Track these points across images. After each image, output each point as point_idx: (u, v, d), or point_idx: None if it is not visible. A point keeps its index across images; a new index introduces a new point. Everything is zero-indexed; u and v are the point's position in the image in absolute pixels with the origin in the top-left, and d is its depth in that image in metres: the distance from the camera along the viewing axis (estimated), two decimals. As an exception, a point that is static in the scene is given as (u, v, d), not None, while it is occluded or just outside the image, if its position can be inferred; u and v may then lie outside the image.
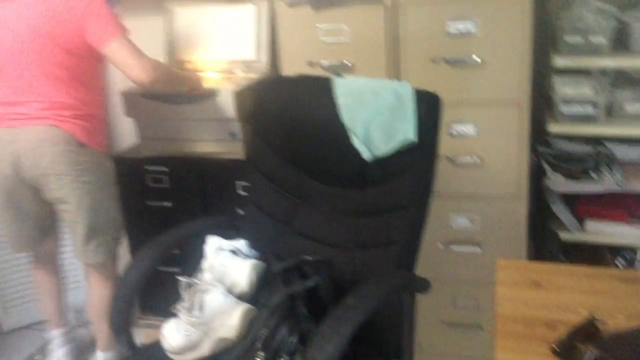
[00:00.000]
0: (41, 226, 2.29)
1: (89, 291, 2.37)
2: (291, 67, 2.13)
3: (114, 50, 1.98)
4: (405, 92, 1.57)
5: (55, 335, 2.50)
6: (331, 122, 1.65)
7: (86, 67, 2.10)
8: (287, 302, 1.45)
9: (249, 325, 1.46)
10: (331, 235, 1.72)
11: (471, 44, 1.96)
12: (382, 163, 1.61)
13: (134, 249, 2.66)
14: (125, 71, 1.99)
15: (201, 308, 1.48)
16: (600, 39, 2.10)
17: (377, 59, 2.05)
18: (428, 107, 1.57)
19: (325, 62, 2.09)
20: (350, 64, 2.07)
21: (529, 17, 1.89)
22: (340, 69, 2.07)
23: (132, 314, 1.60)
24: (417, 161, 1.57)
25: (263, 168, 1.85)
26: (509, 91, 1.98)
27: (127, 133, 2.88)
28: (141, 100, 2.48)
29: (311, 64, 2.11)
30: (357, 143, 1.60)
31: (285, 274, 1.56)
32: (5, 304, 2.72)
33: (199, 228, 1.82)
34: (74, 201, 2.14)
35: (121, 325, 1.58)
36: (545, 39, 2.32)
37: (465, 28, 1.94)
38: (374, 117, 1.59)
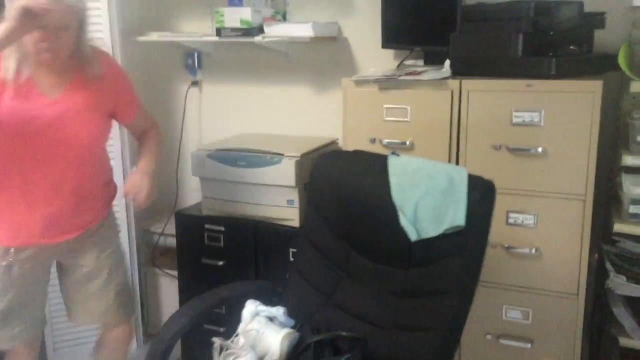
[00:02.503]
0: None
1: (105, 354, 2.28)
2: (354, 143, 2.17)
3: None
4: (459, 176, 1.57)
5: None
6: (381, 199, 1.66)
7: None
8: (316, 376, 1.42)
9: (276, 396, 1.44)
10: (371, 312, 1.69)
11: (535, 135, 1.94)
12: (428, 245, 1.59)
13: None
14: None
15: (229, 372, 1.48)
16: (672, 140, 2.03)
17: (439, 141, 2.06)
18: (481, 193, 1.55)
19: (386, 140, 2.12)
20: (411, 144, 2.09)
21: (598, 113, 1.86)
22: (401, 148, 2.09)
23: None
24: (465, 246, 1.54)
25: (312, 237, 1.86)
26: (571, 185, 1.93)
27: (193, 191, 2.98)
28: (207, 161, 2.57)
29: (374, 140, 2.14)
30: (404, 222, 1.59)
31: (318, 347, 1.54)
32: (56, 344, 2.80)
33: (243, 290, 1.83)
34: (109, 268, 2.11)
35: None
36: (617, 137, 2.27)
37: (530, 118, 1.93)
38: (424, 198, 1.58)
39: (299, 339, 1.60)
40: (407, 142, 2.09)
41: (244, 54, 2.95)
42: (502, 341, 2.11)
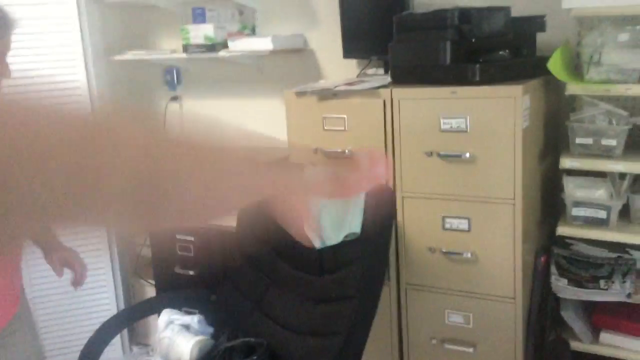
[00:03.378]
0: None
1: None
2: (298, 153, 2.23)
3: None
4: (359, 184, 1.61)
5: None
6: (293, 208, 1.71)
7: None
8: (214, 380, 1.49)
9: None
10: (290, 319, 1.75)
11: (463, 141, 1.96)
12: (334, 252, 1.64)
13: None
14: None
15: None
16: (611, 142, 2.02)
17: (375, 149, 2.10)
18: (378, 200, 1.59)
19: (327, 150, 2.17)
20: (349, 152, 2.14)
21: (520, 118, 1.87)
22: (341, 157, 2.14)
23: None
24: (365, 253, 1.58)
25: (243, 246, 1.93)
26: (500, 190, 1.94)
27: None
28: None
29: (316, 150, 2.20)
30: (307, 229, 1.64)
31: (229, 353, 1.60)
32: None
33: (177, 299, 1.91)
34: None
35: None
36: (558, 140, 2.26)
37: (457, 124, 1.95)
38: (327, 206, 1.63)
39: (212, 346, 1.67)
40: (346, 151, 2.14)
41: (217, 69, 3.05)
42: (446, 346, 2.13)
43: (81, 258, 1.74)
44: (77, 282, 1.70)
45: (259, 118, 3.01)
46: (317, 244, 1.64)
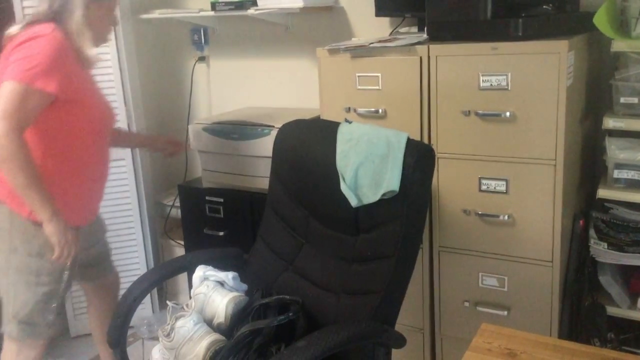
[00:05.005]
0: None
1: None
2: (330, 113, 2.18)
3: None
4: (397, 141, 1.57)
5: None
6: (328, 166, 1.68)
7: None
8: (249, 337, 1.48)
9: (214, 356, 1.50)
10: (324, 278, 1.73)
11: (503, 99, 1.89)
12: (371, 211, 1.60)
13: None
14: None
15: (172, 333, 1.55)
16: (658, 101, 1.95)
17: (410, 108, 2.04)
18: (417, 159, 1.54)
19: (361, 110, 2.12)
20: (384, 112, 2.08)
21: (565, 75, 1.79)
22: (374, 117, 2.09)
23: (126, 332, 1.70)
24: (402, 212, 1.54)
25: (276, 206, 1.90)
26: (541, 150, 1.88)
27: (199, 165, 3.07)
28: (203, 134, 2.65)
29: (348, 110, 2.15)
30: (344, 189, 1.61)
31: (263, 310, 1.59)
32: (75, 311, 2.97)
33: (210, 257, 1.89)
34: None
35: (116, 340, 1.69)
36: (601, 100, 2.18)
37: (497, 82, 1.89)
38: (364, 164, 1.59)
39: (247, 303, 1.65)
40: (380, 110, 2.08)
41: (244, 28, 3.00)
42: (479, 308, 2.10)
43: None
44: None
45: (288, 78, 2.97)
46: (353, 202, 1.61)
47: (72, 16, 1.83)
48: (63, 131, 1.86)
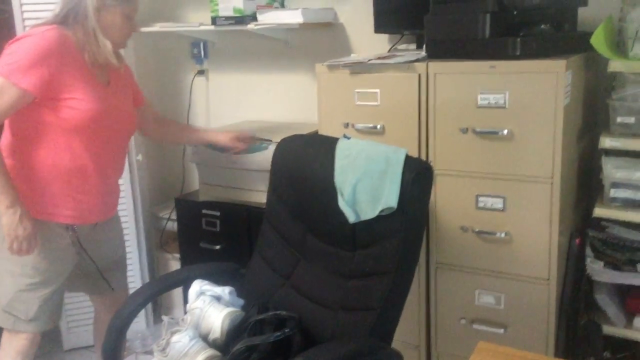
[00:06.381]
0: None
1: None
2: (328, 128, 2.19)
3: None
4: (396, 158, 1.57)
5: None
6: (326, 182, 1.68)
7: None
8: (245, 353, 1.47)
9: (209, 371, 1.50)
10: (321, 293, 1.72)
11: (501, 117, 1.90)
12: (369, 227, 1.60)
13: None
14: None
15: (168, 348, 1.54)
16: (654, 121, 1.96)
17: (408, 124, 2.05)
18: (416, 175, 1.55)
19: (359, 125, 2.13)
20: (382, 128, 2.09)
21: (562, 94, 1.81)
22: (373, 133, 2.10)
23: (122, 346, 1.69)
24: (400, 228, 1.54)
25: (273, 220, 1.90)
26: (538, 168, 1.89)
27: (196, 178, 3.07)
28: (201, 147, 2.65)
29: (347, 125, 2.15)
30: (341, 204, 1.61)
31: (259, 326, 1.58)
32: (69, 324, 2.95)
33: (207, 271, 1.89)
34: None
35: (110, 354, 1.68)
36: (598, 119, 2.20)
37: (495, 100, 1.90)
38: (363, 180, 1.60)
39: (243, 318, 1.65)
40: (378, 126, 2.09)
41: (245, 42, 3.01)
42: (475, 326, 2.09)
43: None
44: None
45: (287, 93, 2.98)
46: (351, 218, 1.61)
47: (83, 20, 1.86)
48: (52, 126, 1.87)
